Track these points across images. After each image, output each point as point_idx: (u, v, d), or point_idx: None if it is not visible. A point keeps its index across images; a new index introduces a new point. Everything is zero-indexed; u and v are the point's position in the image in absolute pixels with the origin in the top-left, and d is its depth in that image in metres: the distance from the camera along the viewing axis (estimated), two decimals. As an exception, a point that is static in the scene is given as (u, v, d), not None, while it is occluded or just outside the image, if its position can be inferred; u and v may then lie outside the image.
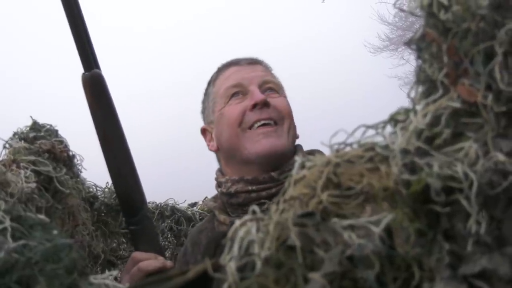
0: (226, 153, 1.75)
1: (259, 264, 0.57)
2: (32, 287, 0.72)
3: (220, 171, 1.80)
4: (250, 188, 1.65)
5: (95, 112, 1.64)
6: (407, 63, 16.27)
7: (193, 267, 0.61)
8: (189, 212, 2.10)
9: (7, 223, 0.81)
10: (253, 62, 1.83)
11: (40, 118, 1.60)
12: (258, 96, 1.69)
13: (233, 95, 1.74)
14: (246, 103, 1.70)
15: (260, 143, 1.64)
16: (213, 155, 1.84)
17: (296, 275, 0.56)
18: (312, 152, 1.72)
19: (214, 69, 1.88)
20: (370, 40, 16.73)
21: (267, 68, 1.84)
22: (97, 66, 1.64)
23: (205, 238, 1.75)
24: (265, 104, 1.68)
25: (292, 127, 1.72)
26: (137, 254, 1.62)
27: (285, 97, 1.77)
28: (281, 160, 1.65)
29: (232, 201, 1.69)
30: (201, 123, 1.88)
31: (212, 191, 1.87)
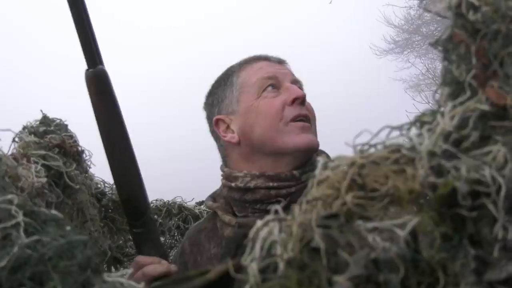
0: (253, 146, 1.69)
1: (281, 266, 0.56)
2: (45, 284, 0.71)
3: (228, 166, 1.75)
4: (271, 184, 1.61)
5: (98, 111, 1.60)
6: (412, 66, 16.26)
7: (213, 267, 0.60)
8: (197, 211, 2.10)
9: (20, 217, 0.80)
10: (282, 61, 1.81)
11: (48, 112, 1.59)
12: (299, 91, 1.68)
13: (268, 87, 1.70)
14: (284, 97, 1.67)
15: (300, 136, 1.62)
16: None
17: (320, 278, 0.55)
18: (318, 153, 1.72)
19: (221, 69, 1.85)
20: (376, 42, 16.72)
21: (291, 69, 1.82)
22: (101, 62, 1.60)
23: (205, 239, 1.72)
24: (303, 101, 1.67)
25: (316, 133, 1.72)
26: (140, 258, 1.59)
27: None
28: (308, 157, 1.65)
29: (246, 197, 1.65)
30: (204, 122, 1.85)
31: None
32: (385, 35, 16.42)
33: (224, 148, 1.78)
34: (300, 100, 1.66)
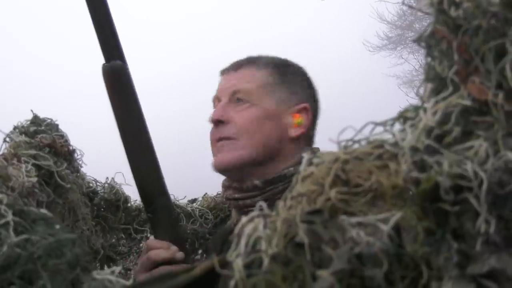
0: None
1: (266, 261, 0.57)
2: (35, 282, 0.72)
3: None
4: (236, 195, 1.65)
5: (113, 104, 1.62)
6: (405, 62, 16.27)
7: (199, 263, 0.61)
8: (189, 209, 2.09)
9: (10, 217, 0.80)
10: (237, 67, 1.77)
11: (40, 111, 1.59)
12: (212, 115, 1.68)
13: (214, 108, 1.74)
14: None
15: (214, 159, 1.67)
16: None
17: (304, 273, 0.56)
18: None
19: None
20: (369, 38, 16.70)
21: (249, 72, 1.75)
22: (120, 56, 1.60)
23: None
24: (219, 122, 1.66)
25: (254, 141, 1.65)
26: (150, 242, 1.63)
27: (255, 105, 1.68)
28: (244, 170, 1.64)
29: (228, 206, 1.74)
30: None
31: (211, 188, 1.87)
32: (378, 31, 16.44)
33: None
34: (214, 124, 1.67)
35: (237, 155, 1.63)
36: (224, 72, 1.79)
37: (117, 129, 1.63)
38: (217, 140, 1.66)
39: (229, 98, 1.69)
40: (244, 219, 0.62)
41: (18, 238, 0.76)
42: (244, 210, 1.63)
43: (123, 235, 1.91)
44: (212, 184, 1.82)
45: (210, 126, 1.69)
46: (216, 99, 1.73)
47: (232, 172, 1.65)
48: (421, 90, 0.71)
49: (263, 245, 0.58)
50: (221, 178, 1.80)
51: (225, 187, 1.69)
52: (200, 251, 1.94)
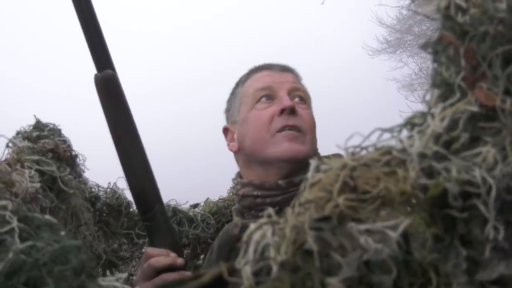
0: (246, 155, 1.75)
1: (275, 269, 0.57)
2: (40, 289, 0.71)
3: (239, 173, 1.81)
4: (255, 193, 1.66)
5: (107, 112, 1.62)
6: (405, 66, 16.26)
7: (208, 270, 0.61)
8: (191, 213, 2.09)
9: (15, 223, 0.80)
10: (285, 69, 1.82)
11: (43, 116, 1.59)
12: (287, 101, 1.69)
13: (261, 98, 1.74)
14: (274, 108, 1.69)
15: (282, 145, 1.64)
16: (216, 157, 1.83)
17: (312, 280, 0.55)
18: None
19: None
20: (368, 42, 16.70)
21: (297, 77, 1.84)
22: (110, 66, 1.61)
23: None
24: (292, 111, 1.67)
25: (314, 141, 1.72)
26: (149, 250, 1.62)
27: (311, 110, 1.78)
28: (299, 167, 1.63)
29: (241, 204, 1.71)
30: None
31: (214, 193, 1.87)
32: (377, 35, 16.43)
33: (235, 155, 1.85)
34: (288, 111, 1.67)
35: (306, 149, 1.66)
36: (273, 67, 1.82)
37: (111, 138, 1.63)
38: (285, 127, 1.66)
39: (288, 93, 1.73)
40: (252, 226, 0.61)
41: (23, 244, 0.76)
42: (255, 209, 1.66)
43: (125, 240, 1.92)
44: (214, 189, 1.82)
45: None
46: (267, 89, 1.75)
47: (297, 164, 1.64)
48: (425, 95, 0.71)
49: (271, 252, 0.58)
50: (221, 181, 1.81)
51: (243, 184, 1.71)
52: (202, 256, 1.95)
